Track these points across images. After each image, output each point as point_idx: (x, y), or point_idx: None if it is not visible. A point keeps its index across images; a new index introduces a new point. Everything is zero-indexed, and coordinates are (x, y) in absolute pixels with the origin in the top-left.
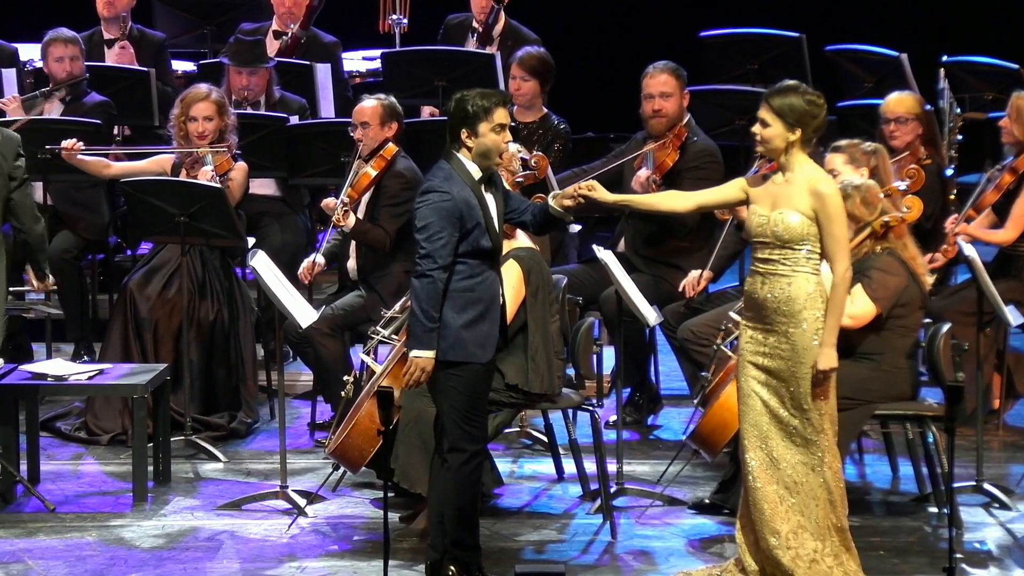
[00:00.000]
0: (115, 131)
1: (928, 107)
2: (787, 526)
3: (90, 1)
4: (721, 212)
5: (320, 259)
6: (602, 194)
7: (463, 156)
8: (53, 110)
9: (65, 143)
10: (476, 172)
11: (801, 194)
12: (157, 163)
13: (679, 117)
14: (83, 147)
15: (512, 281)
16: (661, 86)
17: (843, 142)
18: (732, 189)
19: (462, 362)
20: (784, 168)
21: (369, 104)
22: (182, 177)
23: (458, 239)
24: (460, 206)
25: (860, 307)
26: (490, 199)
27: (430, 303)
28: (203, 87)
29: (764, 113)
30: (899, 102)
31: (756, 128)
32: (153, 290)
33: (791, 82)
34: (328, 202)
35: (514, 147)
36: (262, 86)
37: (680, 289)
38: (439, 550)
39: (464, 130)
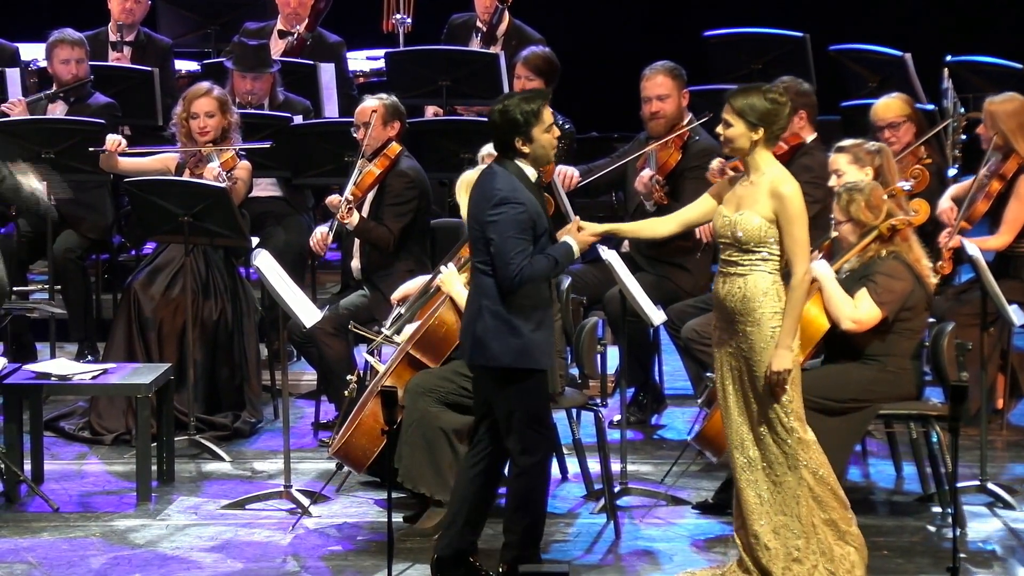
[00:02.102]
0: (117, 129)
1: (924, 106)
2: (767, 526)
3: (92, 1)
4: None
5: (330, 233)
6: (591, 228)
7: (519, 161)
8: (57, 111)
9: (110, 143)
10: (532, 175)
11: (763, 196)
12: (161, 161)
13: (679, 117)
14: (126, 148)
15: None
16: (658, 88)
17: (847, 142)
18: (707, 202)
19: (533, 369)
20: (749, 169)
21: (371, 104)
22: (186, 176)
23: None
24: (533, 216)
25: (865, 312)
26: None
27: (541, 271)
28: (205, 84)
29: (726, 114)
30: (887, 108)
31: (720, 129)
32: (157, 290)
33: (777, 82)
34: (332, 199)
35: None
36: (266, 90)
37: (698, 236)
38: (452, 547)
39: (518, 139)
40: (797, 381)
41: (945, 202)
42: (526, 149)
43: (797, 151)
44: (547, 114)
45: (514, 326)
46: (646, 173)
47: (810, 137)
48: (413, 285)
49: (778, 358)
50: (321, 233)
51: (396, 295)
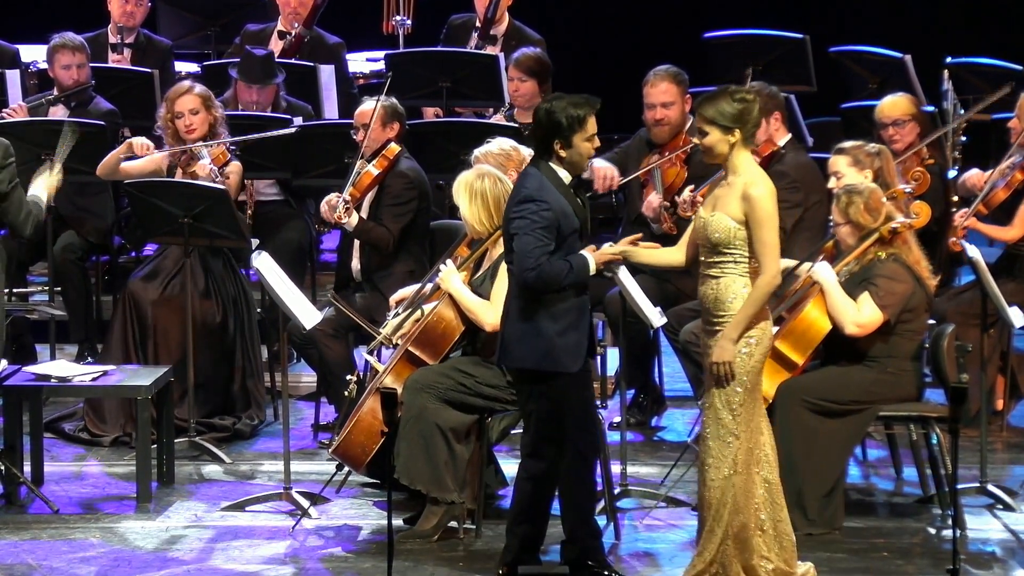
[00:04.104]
0: (118, 135)
1: (926, 107)
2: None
3: (92, 2)
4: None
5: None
6: (607, 251)
7: (553, 163)
8: (59, 115)
9: (138, 147)
10: (567, 177)
11: (736, 197)
12: (155, 162)
13: (682, 124)
14: (154, 149)
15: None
16: (662, 95)
17: (847, 144)
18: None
19: (554, 372)
20: (729, 171)
21: (370, 106)
22: (179, 176)
23: (554, 248)
24: (558, 216)
25: (868, 315)
26: (580, 204)
27: (557, 273)
28: (186, 83)
29: (699, 124)
30: (893, 105)
31: (696, 139)
32: (155, 291)
33: (732, 87)
34: (330, 198)
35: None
36: (270, 99)
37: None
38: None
39: (557, 141)
40: (754, 390)
41: (975, 170)
42: (563, 153)
43: (772, 160)
44: (591, 123)
45: (540, 328)
46: (654, 200)
47: (783, 140)
48: (410, 290)
49: (718, 349)
50: (332, 198)
51: (395, 298)
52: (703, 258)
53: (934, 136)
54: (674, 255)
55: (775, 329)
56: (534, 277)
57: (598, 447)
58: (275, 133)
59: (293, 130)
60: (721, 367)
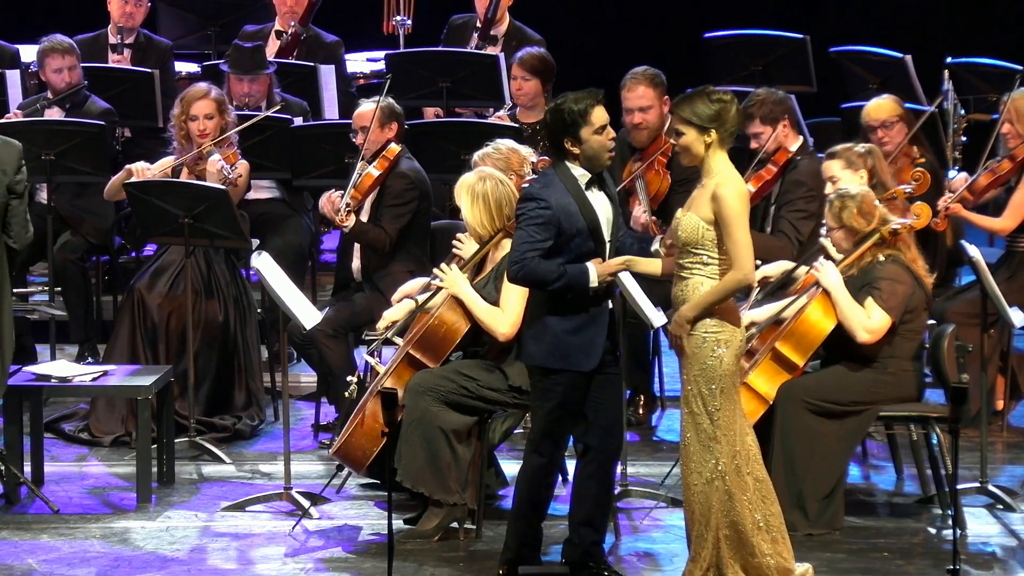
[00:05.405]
0: (116, 132)
1: (918, 107)
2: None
3: (92, 2)
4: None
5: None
6: (609, 264)
7: (568, 162)
8: (55, 115)
9: (137, 172)
10: (584, 176)
11: (707, 197)
12: (164, 174)
13: (660, 126)
14: (149, 167)
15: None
16: (639, 100)
17: (837, 147)
18: None
19: (563, 370)
20: (704, 172)
21: (368, 108)
22: (184, 177)
23: (555, 245)
24: (558, 214)
25: (877, 320)
26: (599, 201)
27: (544, 273)
28: (203, 85)
29: (675, 124)
30: (879, 108)
31: (672, 140)
32: (160, 291)
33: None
34: (331, 196)
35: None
36: (263, 92)
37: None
38: (578, 551)
39: (567, 139)
40: (730, 393)
41: (962, 173)
42: (575, 150)
43: (788, 167)
44: (597, 115)
45: (547, 325)
46: (639, 214)
47: (795, 144)
48: (413, 285)
49: (673, 323)
50: (332, 194)
51: (396, 296)
52: (677, 260)
53: (912, 132)
54: (656, 264)
55: (752, 330)
56: (516, 271)
57: (617, 450)
58: (227, 138)
59: (228, 133)
60: (673, 340)
